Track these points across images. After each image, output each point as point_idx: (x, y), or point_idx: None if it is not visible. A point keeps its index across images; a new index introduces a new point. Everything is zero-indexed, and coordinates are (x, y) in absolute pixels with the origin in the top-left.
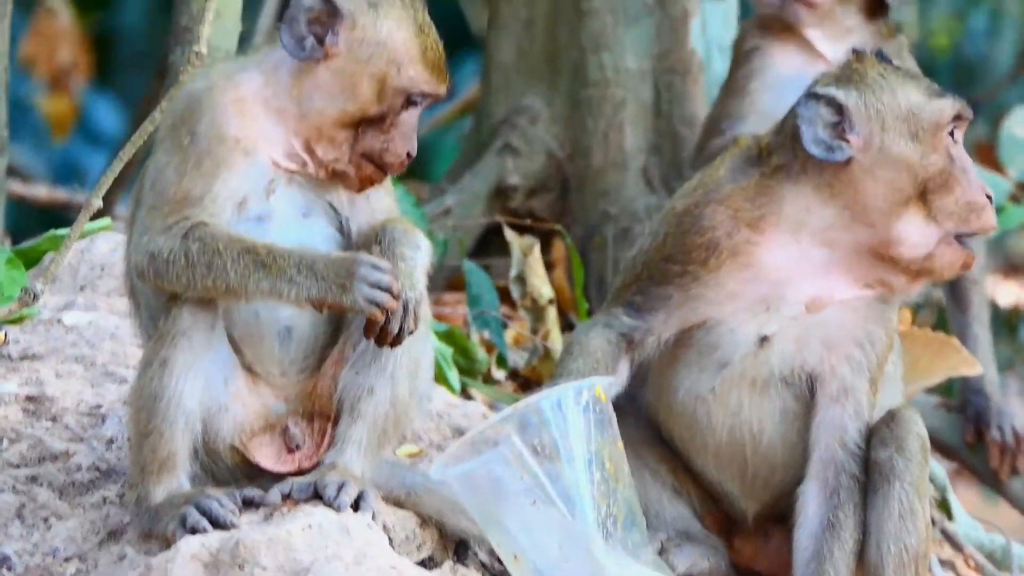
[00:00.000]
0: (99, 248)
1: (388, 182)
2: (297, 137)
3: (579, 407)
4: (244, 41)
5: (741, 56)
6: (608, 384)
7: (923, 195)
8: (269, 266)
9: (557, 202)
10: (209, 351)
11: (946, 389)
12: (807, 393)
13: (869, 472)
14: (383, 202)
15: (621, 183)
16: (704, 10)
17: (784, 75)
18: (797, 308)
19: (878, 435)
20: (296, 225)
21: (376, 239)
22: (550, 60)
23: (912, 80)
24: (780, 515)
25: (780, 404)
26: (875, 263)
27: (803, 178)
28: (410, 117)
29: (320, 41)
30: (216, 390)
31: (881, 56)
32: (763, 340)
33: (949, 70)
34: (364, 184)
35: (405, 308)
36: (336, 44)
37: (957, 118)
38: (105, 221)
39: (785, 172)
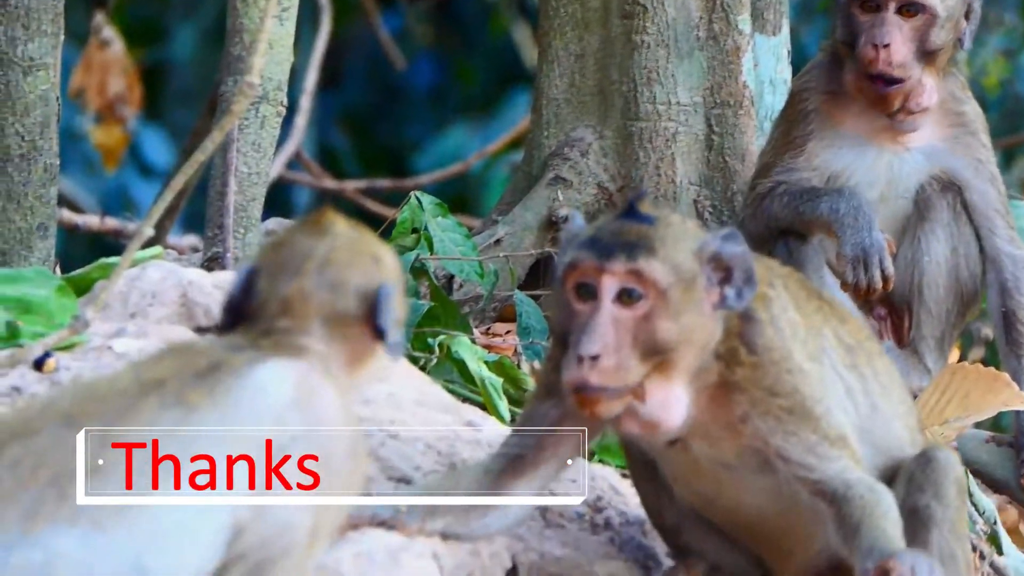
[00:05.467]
0: (150, 276)
1: None
2: None
3: None
4: (296, 72)
5: (800, 114)
6: None
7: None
8: None
9: None
10: None
11: (996, 424)
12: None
13: (907, 517)
14: None
15: None
16: (756, 45)
17: (844, 135)
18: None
19: (914, 481)
20: None
21: None
22: (601, 93)
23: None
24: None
25: (748, 481)
26: None
27: None
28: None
29: None
30: None
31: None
32: (675, 443)
33: (999, 107)
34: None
35: None
36: None
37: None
38: (156, 250)
39: None
